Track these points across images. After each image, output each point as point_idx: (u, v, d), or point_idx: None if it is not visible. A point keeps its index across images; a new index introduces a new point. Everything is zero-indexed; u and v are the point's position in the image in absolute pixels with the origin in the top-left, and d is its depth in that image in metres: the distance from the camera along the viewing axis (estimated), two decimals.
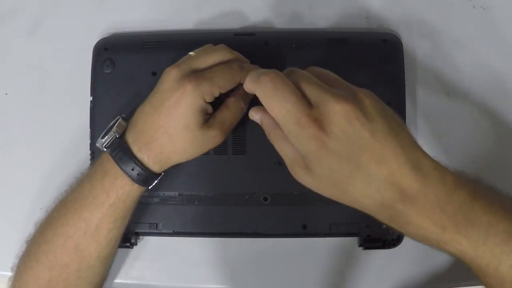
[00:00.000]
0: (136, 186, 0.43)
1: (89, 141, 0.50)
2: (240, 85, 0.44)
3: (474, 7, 0.53)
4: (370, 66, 0.49)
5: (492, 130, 0.52)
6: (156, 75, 0.50)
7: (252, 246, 0.51)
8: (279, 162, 0.48)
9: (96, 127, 0.50)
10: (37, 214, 0.48)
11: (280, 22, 0.53)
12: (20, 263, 0.45)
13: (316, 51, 0.50)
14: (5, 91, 0.54)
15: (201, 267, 0.51)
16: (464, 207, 0.34)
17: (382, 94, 0.49)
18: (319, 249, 0.51)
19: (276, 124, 0.38)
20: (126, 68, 0.50)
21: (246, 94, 0.44)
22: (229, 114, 0.44)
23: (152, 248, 0.52)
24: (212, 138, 0.43)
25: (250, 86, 0.39)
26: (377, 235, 0.49)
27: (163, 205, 0.49)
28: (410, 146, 0.35)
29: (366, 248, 0.49)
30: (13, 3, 0.55)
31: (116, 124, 0.43)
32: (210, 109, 0.43)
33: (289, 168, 0.39)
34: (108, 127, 0.44)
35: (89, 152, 0.50)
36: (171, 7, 0.54)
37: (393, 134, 0.34)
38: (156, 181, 0.44)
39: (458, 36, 0.53)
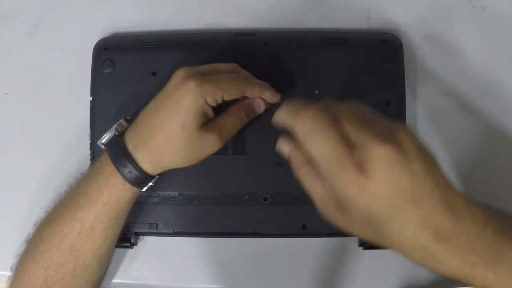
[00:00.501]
0: (128, 185, 0.43)
1: (89, 141, 0.50)
2: (245, 98, 0.44)
3: (474, 7, 0.53)
4: (370, 66, 0.49)
5: (492, 131, 0.52)
6: (156, 75, 0.50)
7: (252, 246, 0.51)
8: (279, 162, 0.48)
9: (96, 127, 0.50)
10: (37, 214, 0.48)
11: (280, 22, 0.53)
12: (19, 263, 0.45)
13: (316, 51, 0.50)
14: (5, 91, 0.54)
15: (201, 267, 0.51)
16: (493, 243, 0.34)
17: (382, 94, 0.49)
18: (319, 249, 0.51)
19: (307, 160, 0.36)
20: (126, 68, 0.50)
21: (249, 106, 0.44)
22: (229, 120, 0.44)
23: (151, 248, 0.52)
24: (210, 143, 0.43)
25: (287, 118, 0.36)
26: None
27: (163, 205, 0.49)
28: (444, 186, 0.34)
29: (366, 248, 0.49)
30: (13, 3, 0.55)
31: (117, 123, 0.44)
32: (211, 113, 0.43)
33: (319, 206, 0.37)
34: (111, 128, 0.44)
35: (89, 152, 0.50)
36: (171, 7, 0.54)
37: (430, 175, 0.34)
38: (150, 184, 0.44)
39: (458, 36, 0.53)
